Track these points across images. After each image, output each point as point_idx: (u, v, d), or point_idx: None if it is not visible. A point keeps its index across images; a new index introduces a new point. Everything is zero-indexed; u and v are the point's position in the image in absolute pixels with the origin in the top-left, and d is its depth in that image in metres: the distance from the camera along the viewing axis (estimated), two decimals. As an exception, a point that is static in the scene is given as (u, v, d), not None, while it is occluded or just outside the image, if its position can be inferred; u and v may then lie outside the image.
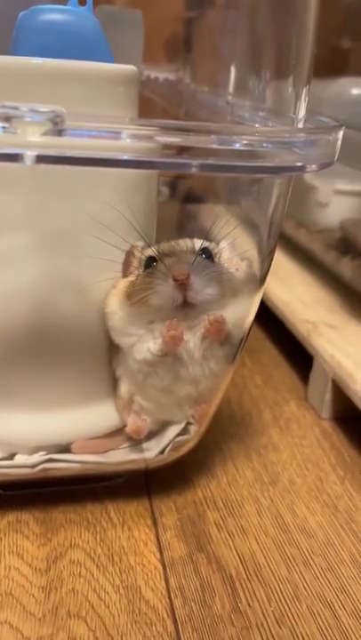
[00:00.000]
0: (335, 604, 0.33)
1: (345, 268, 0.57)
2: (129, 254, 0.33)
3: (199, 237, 0.34)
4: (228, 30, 0.46)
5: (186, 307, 0.31)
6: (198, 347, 0.32)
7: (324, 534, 0.37)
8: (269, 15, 0.36)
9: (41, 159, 0.25)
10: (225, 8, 0.49)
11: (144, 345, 0.33)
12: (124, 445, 0.37)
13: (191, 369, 0.33)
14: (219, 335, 0.32)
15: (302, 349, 0.52)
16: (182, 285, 0.30)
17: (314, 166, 0.28)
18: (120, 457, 0.36)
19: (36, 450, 0.35)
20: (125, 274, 0.34)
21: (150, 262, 0.32)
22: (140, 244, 0.33)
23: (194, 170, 0.27)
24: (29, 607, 0.31)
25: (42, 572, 0.33)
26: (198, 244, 0.33)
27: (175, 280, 0.30)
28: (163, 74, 0.60)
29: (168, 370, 0.33)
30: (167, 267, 0.31)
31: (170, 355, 0.32)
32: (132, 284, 0.32)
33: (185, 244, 0.33)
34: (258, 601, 0.32)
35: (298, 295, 0.58)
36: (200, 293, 0.31)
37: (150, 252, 0.33)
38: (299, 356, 0.54)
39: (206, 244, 0.33)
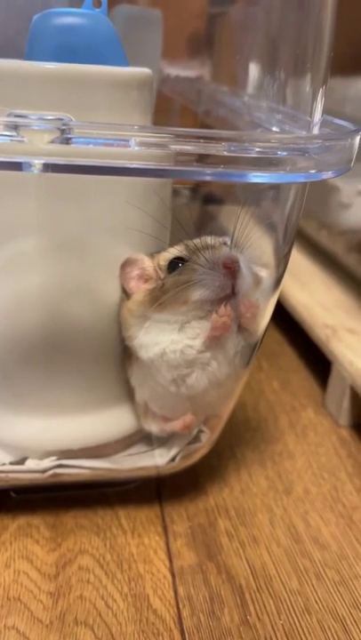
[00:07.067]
0: (347, 620, 0.32)
1: (367, 270, 0.56)
2: (127, 269, 0.33)
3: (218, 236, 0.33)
4: (248, 27, 0.45)
5: (227, 298, 0.30)
6: (234, 342, 0.32)
7: (338, 546, 0.36)
8: (285, 12, 0.35)
9: (48, 167, 0.24)
10: (245, 5, 0.48)
11: (177, 346, 0.31)
12: (134, 452, 0.36)
13: (221, 368, 0.32)
14: (254, 320, 0.32)
15: (322, 354, 0.51)
16: (233, 273, 0.30)
17: (330, 173, 0.27)
18: (131, 464, 0.36)
19: (46, 455, 0.35)
20: (130, 288, 0.33)
21: (176, 263, 0.32)
22: (139, 255, 0.33)
23: (208, 178, 0.27)
24: (37, 613, 0.31)
25: (50, 577, 0.33)
26: (222, 239, 0.32)
27: (227, 267, 0.30)
28: (183, 71, 0.59)
29: (203, 369, 0.32)
30: (209, 258, 0.30)
31: (213, 348, 0.32)
32: (157, 290, 0.31)
33: (211, 240, 0.32)
34: (267, 614, 0.32)
35: (318, 298, 0.57)
36: (245, 282, 0.31)
37: (175, 252, 0.32)
38: (318, 361, 0.53)
39: (228, 239, 0.33)
